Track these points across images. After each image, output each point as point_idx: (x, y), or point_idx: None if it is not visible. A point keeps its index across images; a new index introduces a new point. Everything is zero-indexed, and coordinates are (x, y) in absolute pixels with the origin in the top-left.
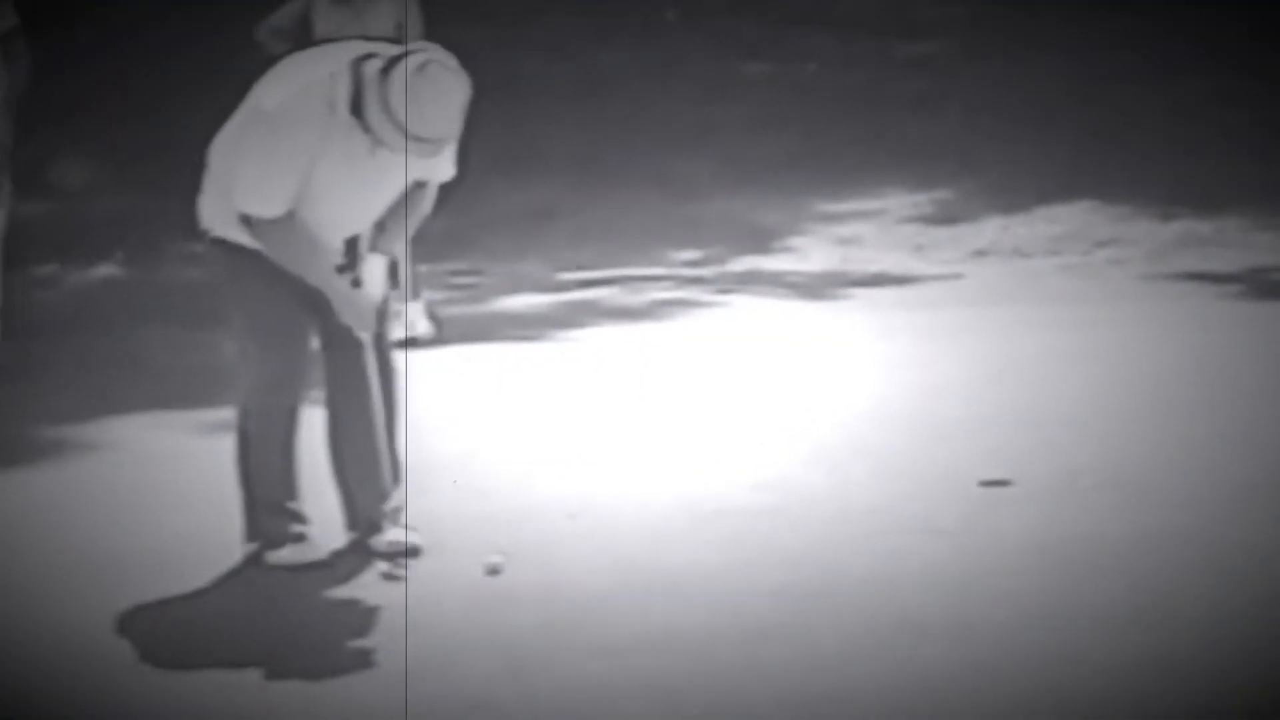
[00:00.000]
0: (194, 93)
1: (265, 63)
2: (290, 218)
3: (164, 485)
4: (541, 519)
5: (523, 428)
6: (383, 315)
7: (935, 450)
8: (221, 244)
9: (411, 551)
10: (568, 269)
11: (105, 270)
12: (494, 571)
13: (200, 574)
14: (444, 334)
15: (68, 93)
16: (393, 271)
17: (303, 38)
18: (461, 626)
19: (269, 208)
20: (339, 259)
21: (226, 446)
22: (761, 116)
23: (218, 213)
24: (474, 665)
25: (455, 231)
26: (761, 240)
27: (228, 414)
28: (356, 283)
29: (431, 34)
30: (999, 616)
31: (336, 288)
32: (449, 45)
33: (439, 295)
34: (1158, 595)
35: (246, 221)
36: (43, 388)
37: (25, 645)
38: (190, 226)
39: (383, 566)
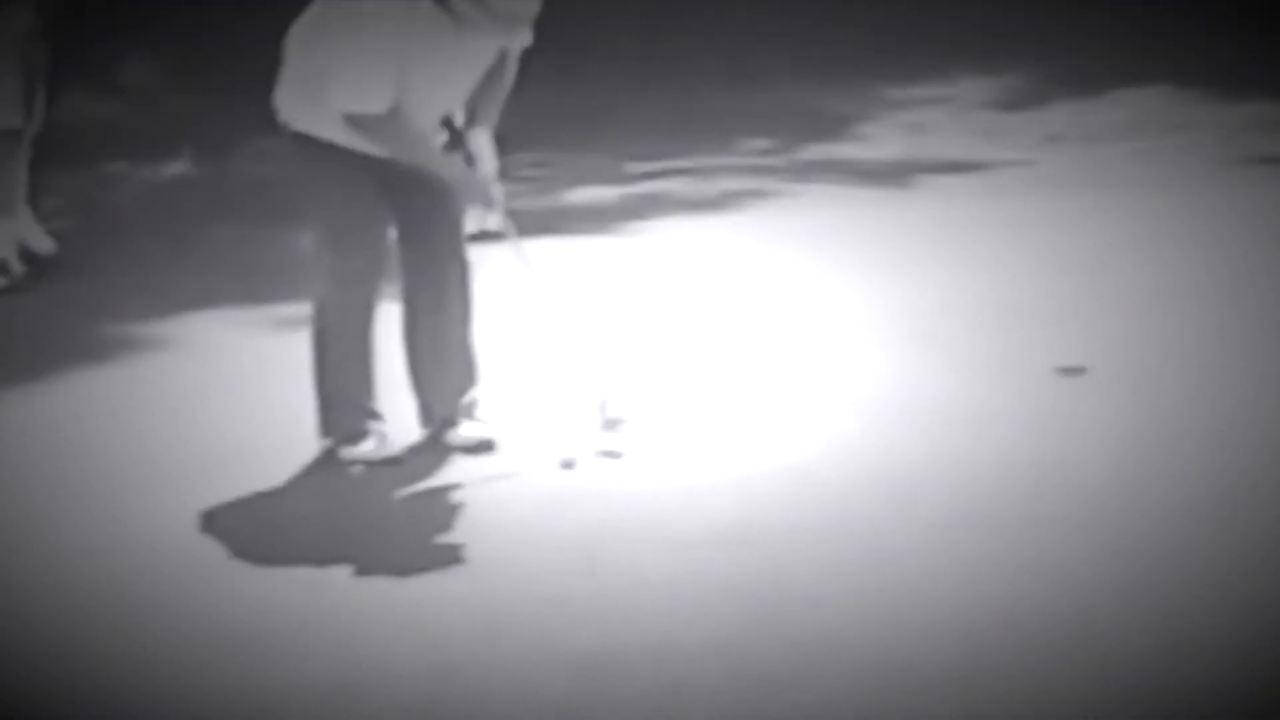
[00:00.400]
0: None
1: None
2: (395, 109)
3: (235, 381)
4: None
5: (592, 322)
6: (499, 186)
7: (1009, 338)
8: (302, 138)
9: (487, 446)
10: (635, 159)
11: (174, 168)
12: (568, 466)
13: (276, 471)
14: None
15: None
16: (495, 143)
17: None
18: (536, 522)
19: (374, 104)
20: (441, 139)
21: (297, 343)
22: (827, 3)
23: (300, 106)
24: (548, 561)
25: (519, 125)
26: (831, 128)
27: (297, 310)
28: (469, 160)
29: None
30: (1072, 507)
31: (454, 171)
32: None
33: (506, 188)
34: (1235, 485)
35: (352, 120)
36: (113, 284)
37: (106, 546)
38: (257, 125)
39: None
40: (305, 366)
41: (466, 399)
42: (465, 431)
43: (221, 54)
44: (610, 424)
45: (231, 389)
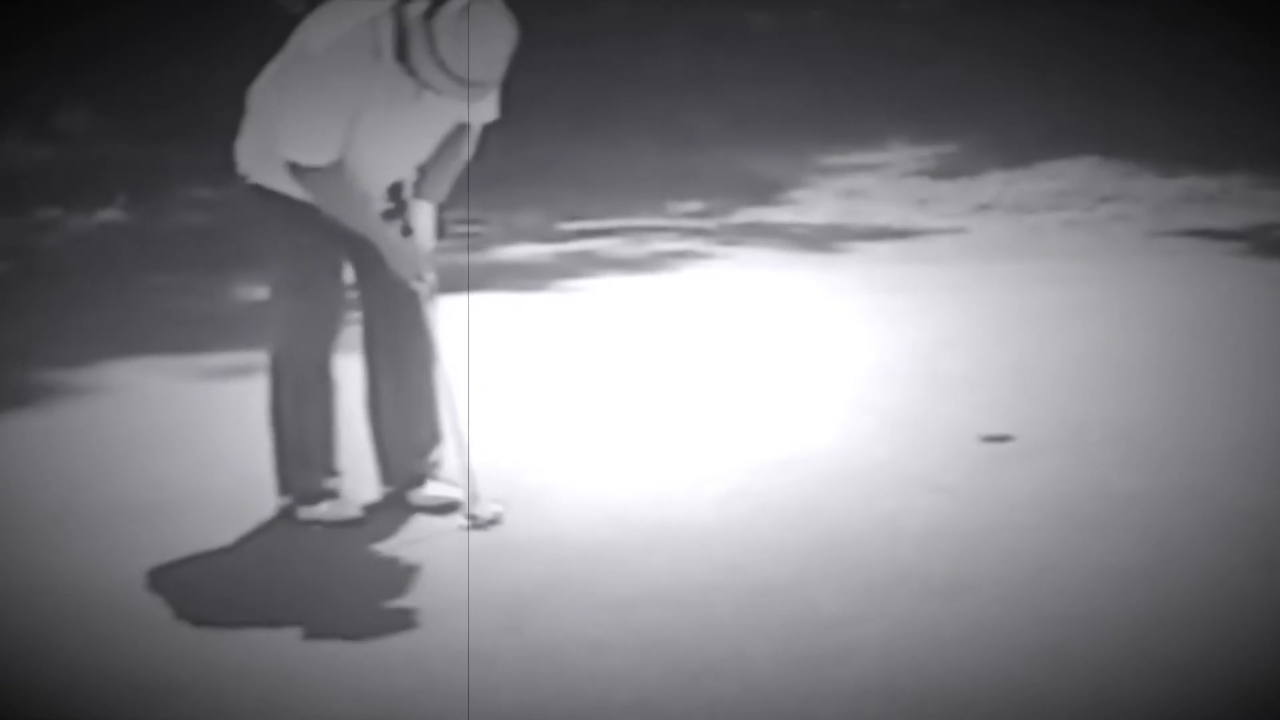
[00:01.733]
0: (201, 40)
1: (276, 15)
2: (338, 166)
3: (170, 430)
4: (540, 471)
5: (522, 379)
6: (432, 262)
7: (938, 405)
8: (259, 190)
9: (451, 506)
10: (567, 219)
11: (107, 214)
12: (493, 521)
13: (219, 524)
14: (442, 283)
15: (72, 39)
16: (439, 218)
17: None
18: (462, 579)
19: (317, 156)
20: (385, 207)
21: (233, 392)
22: (764, 67)
23: (257, 158)
24: (474, 618)
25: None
26: (764, 192)
27: (232, 360)
28: (407, 230)
29: None
30: (1000, 573)
31: (386, 236)
32: None
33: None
34: (1160, 553)
35: (294, 170)
36: (45, 331)
37: (35, 594)
38: (191, 172)
39: (461, 520)
40: (240, 417)
41: (430, 458)
42: (430, 491)
43: (156, 101)
44: (491, 519)
45: (166, 438)
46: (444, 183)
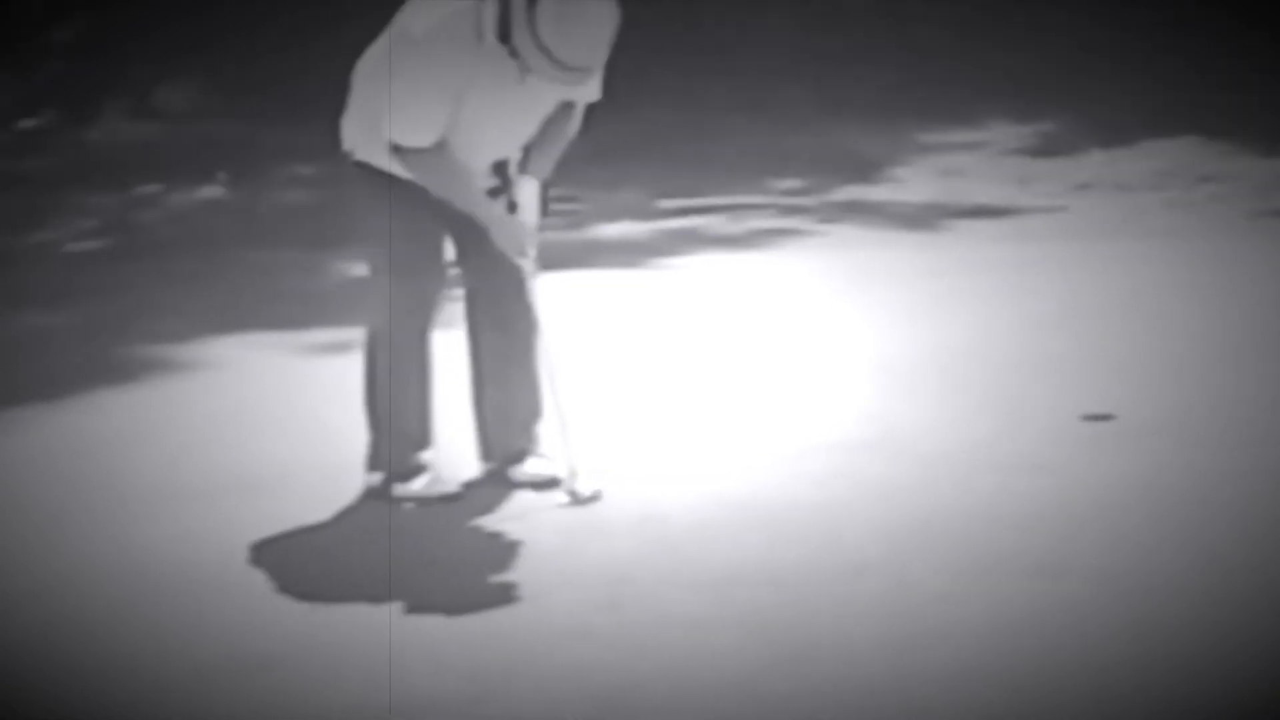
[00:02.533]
0: (304, 18)
1: None
2: (442, 146)
3: (268, 406)
4: (640, 449)
5: (622, 357)
6: (535, 239)
7: (1037, 385)
8: (363, 167)
9: (553, 482)
10: (667, 197)
11: (208, 191)
12: (593, 498)
13: (318, 502)
14: (545, 260)
15: (174, 16)
16: (544, 195)
17: None
18: (561, 555)
19: (421, 137)
20: (490, 184)
21: (331, 368)
22: (862, 46)
23: (362, 137)
24: (572, 595)
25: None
26: (862, 170)
27: (330, 336)
28: (512, 207)
29: None
30: (1101, 555)
31: (491, 213)
32: None
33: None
34: (1262, 535)
35: (398, 151)
36: (145, 306)
37: (138, 568)
38: (291, 150)
39: (561, 497)
40: (339, 393)
41: (531, 434)
42: (530, 468)
43: (257, 79)
44: (593, 496)
45: (266, 414)
46: (548, 161)
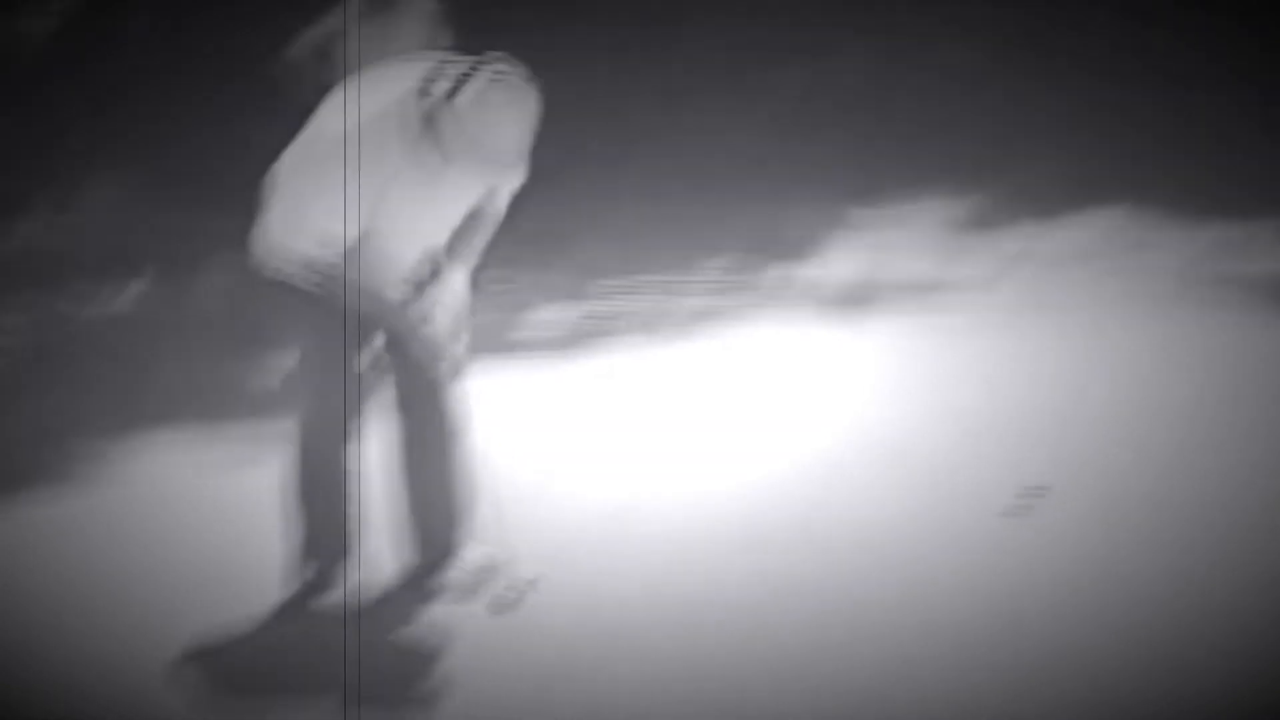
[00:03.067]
0: (226, 119)
1: (296, 80)
2: (365, 242)
3: (196, 509)
4: (575, 538)
5: (554, 442)
6: (458, 335)
7: (971, 458)
8: (284, 268)
9: (481, 577)
10: (598, 277)
11: (129, 293)
12: (525, 592)
13: (243, 606)
14: (474, 346)
15: (96, 117)
16: (471, 282)
17: (335, 54)
18: (491, 652)
19: (341, 235)
20: (415, 275)
21: (262, 471)
22: (790, 122)
23: (281, 238)
24: (503, 691)
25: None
26: (791, 247)
27: (261, 435)
28: (436, 298)
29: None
30: (1033, 626)
31: (415, 305)
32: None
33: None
34: (1196, 604)
35: (321, 246)
36: (70, 406)
37: (69, 670)
38: (219, 245)
39: (486, 596)
40: (260, 497)
41: (461, 529)
42: (460, 564)
43: (179, 179)
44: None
45: (185, 518)
46: (473, 249)
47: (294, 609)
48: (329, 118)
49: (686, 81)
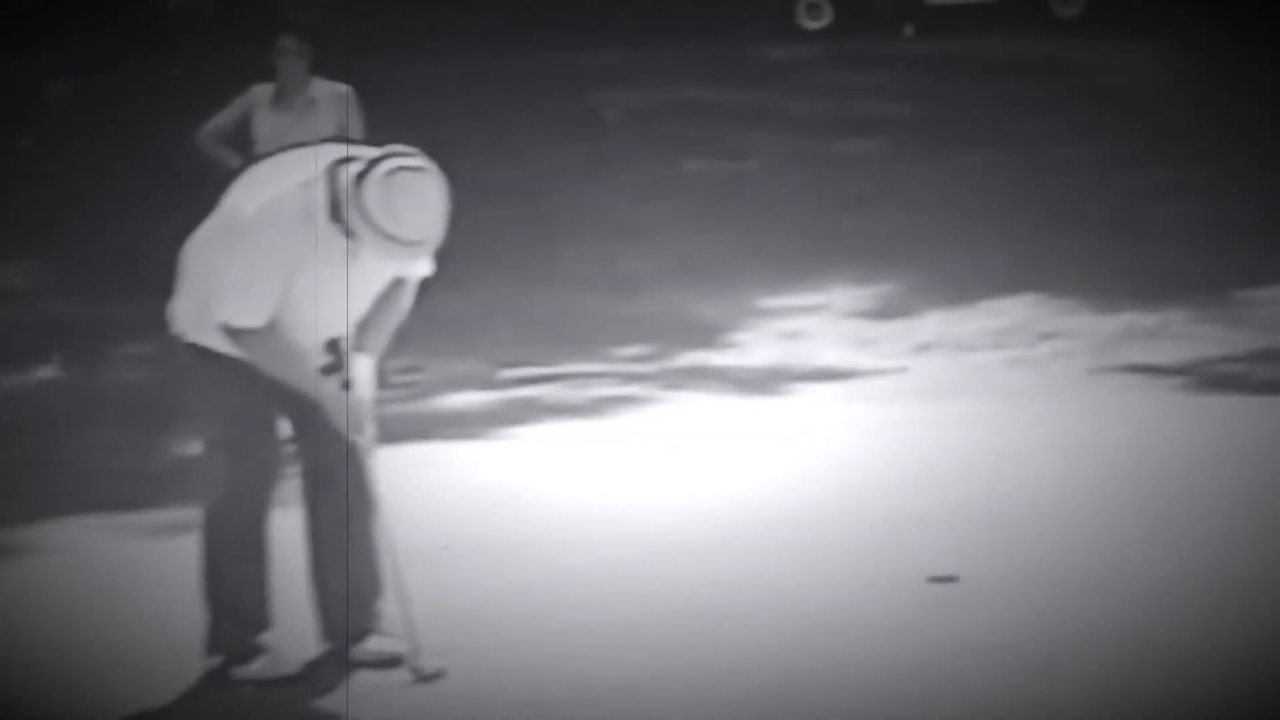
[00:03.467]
0: (138, 198)
1: (203, 165)
2: (274, 325)
3: (108, 589)
4: (484, 623)
5: (464, 528)
6: (370, 416)
7: (883, 546)
8: (195, 348)
9: (394, 660)
10: (509, 366)
11: (43, 373)
12: (436, 675)
13: (156, 687)
14: (383, 433)
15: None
16: (379, 370)
17: (242, 141)
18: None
19: (253, 317)
20: (324, 360)
21: (171, 550)
22: (703, 213)
23: (193, 317)
24: None
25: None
26: (705, 335)
27: (170, 517)
28: (346, 385)
29: (372, 138)
30: (950, 716)
31: (324, 390)
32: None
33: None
34: (1109, 693)
35: (228, 331)
36: None
37: None
38: (127, 329)
39: (401, 675)
40: (176, 574)
41: (371, 611)
42: (371, 646)
43: (91, 259)
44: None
45: (102, 597)
46: (382, 337)
47: (213, 681)
48: (240, 198)
49: (600, 173)
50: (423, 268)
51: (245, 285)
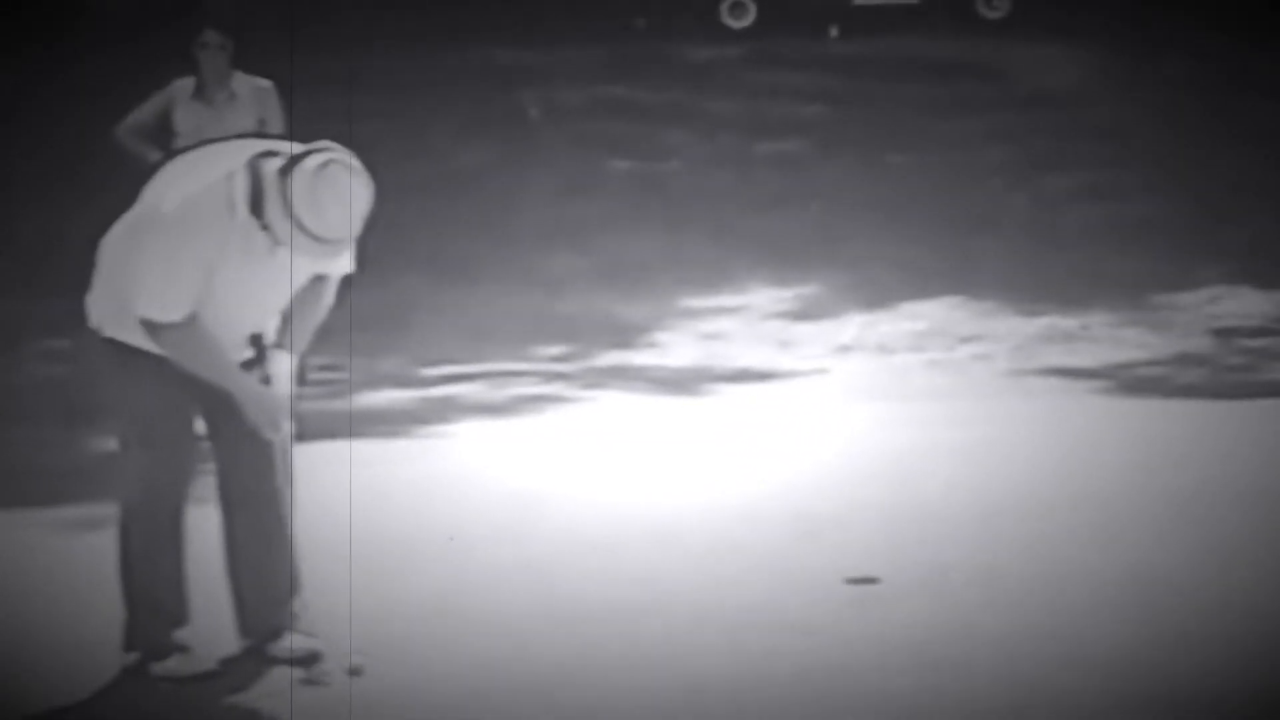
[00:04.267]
0: (54, 190)
1: (123, 159)
2: (193, 320)
3: (25, 586)
4: (403, 621)
5: (385, 525)
6: (290, 412)
7: (803, 547)
8: (112, 343)
9: (312, 658)
10: (429, 364)
11: None
12: (354, 673)
13: (72, 685)
14: (304, 430)
15: None
16: (299, 366)
17: (163, 135)
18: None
19: (171, 312)
20: (243, 356)
21: (91, 546)
22: (624, 213)
23: (110, 312)
24: None
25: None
26: (626, 336)
27: (90, 512)
28: (266, 380)
29: (293, 132)
30: (867, 716)
31: (243, 386)
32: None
33: (298, 391)
34: (1024, 693)
35: (148, 325)
36: None
37: None
38: (46, 324)
39: (300, 674)
40: (99, 571)
41: (289, 608)
42: (289, 643)
43: (5, 253)
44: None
45: (17, 592)
46: (302, 333)
47: (131, 677)
48: (159, 192)
49: (522, 172)
50: (344, 265)
51: (165, 279)
